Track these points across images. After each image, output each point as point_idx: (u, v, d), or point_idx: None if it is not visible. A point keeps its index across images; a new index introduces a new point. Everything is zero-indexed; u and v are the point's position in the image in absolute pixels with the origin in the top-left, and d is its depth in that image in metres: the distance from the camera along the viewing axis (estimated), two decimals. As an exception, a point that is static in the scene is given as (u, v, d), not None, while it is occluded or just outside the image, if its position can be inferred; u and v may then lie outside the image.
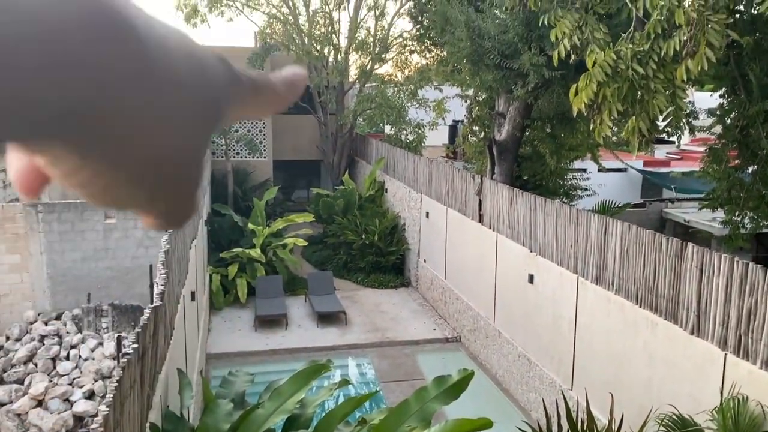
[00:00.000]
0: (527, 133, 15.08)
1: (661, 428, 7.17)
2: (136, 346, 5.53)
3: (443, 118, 22.05)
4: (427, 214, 16.29)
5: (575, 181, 17.50)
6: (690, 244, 7.85)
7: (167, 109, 0.30)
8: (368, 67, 22.22)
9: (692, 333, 7.71)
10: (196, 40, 0.33)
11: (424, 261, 16.64)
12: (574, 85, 7.15)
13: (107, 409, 4.46)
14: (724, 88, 10.83)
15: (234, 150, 21.61)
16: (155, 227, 0.35)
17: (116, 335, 11.29)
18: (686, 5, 6.43)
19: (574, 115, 7.76)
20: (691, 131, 10.87)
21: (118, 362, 7.48)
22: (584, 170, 18.70)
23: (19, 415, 10.64)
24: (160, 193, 0.32)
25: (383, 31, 22.10)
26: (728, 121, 10.72)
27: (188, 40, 0.32)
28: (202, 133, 0.33)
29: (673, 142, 21.96)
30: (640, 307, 8.59)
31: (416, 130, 22.15)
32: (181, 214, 0.35)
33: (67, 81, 0.25)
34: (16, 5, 0.24)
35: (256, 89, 0.37)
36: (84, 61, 0.26)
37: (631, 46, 6.84)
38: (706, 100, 12.95)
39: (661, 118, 7.29)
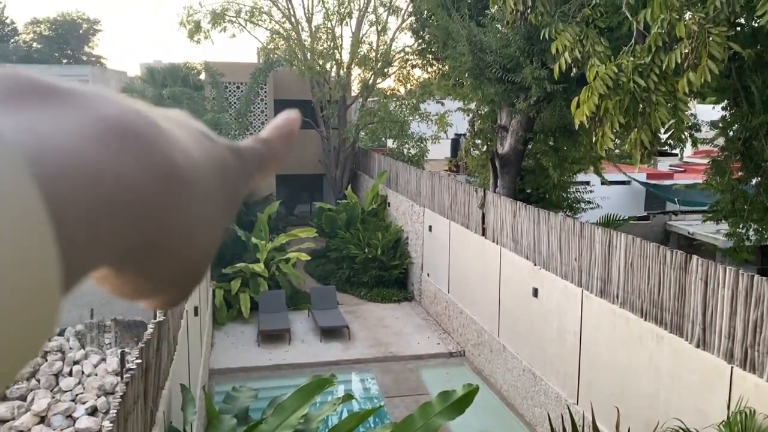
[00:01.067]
0: (530, 146, 15.09)
1: (668, 443, 7.11)
2: (139, 361, 5.51)
3: (445, 132, 22.10)
4: (430, 227, 16.27)
5: (578, 194, 17.46)
6: (694, 257, 7.82)
7: (206, 221, 0.34)
8: (370, 82, 22.32)
9: (698, 346, 7.66)
10: (207, 131, 0.36)
11: (428, 275, 16.60)
12: (576, 98, 7.17)
13: (110, 425, 4.43)
14: (726, 101, 10.86)
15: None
16: (155, 307, 0.37)
17: (119, 351, 11.26)
18: (687, 18, 6.46)
19: (576, 127, 7.78)
20: (694, 144, 10.87)
21: (122, 378, 7.47)
22: (587, 183, 18.67)
23: (22, 431, 10.59)
24: (180, 283, 0.35)
25: (385, 46, 22.23)
26: (731, 133, 10.74)
27: (206, 139, 0.35)
28: (224, 226, 0.36)
29: (676, 155, 22.01)
30: (645, 320, 8.54)
31: (418, 143, 22.19)
32: (183, 294, 0.37)
33: (141, 222, 0.29)
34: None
35: (261, 164, 0.40)
36: (154, 210, 0.30)
37: (632, 59, 6.86)
38: (708, 112, 12.97)
39: (663, 130, 7.30)
